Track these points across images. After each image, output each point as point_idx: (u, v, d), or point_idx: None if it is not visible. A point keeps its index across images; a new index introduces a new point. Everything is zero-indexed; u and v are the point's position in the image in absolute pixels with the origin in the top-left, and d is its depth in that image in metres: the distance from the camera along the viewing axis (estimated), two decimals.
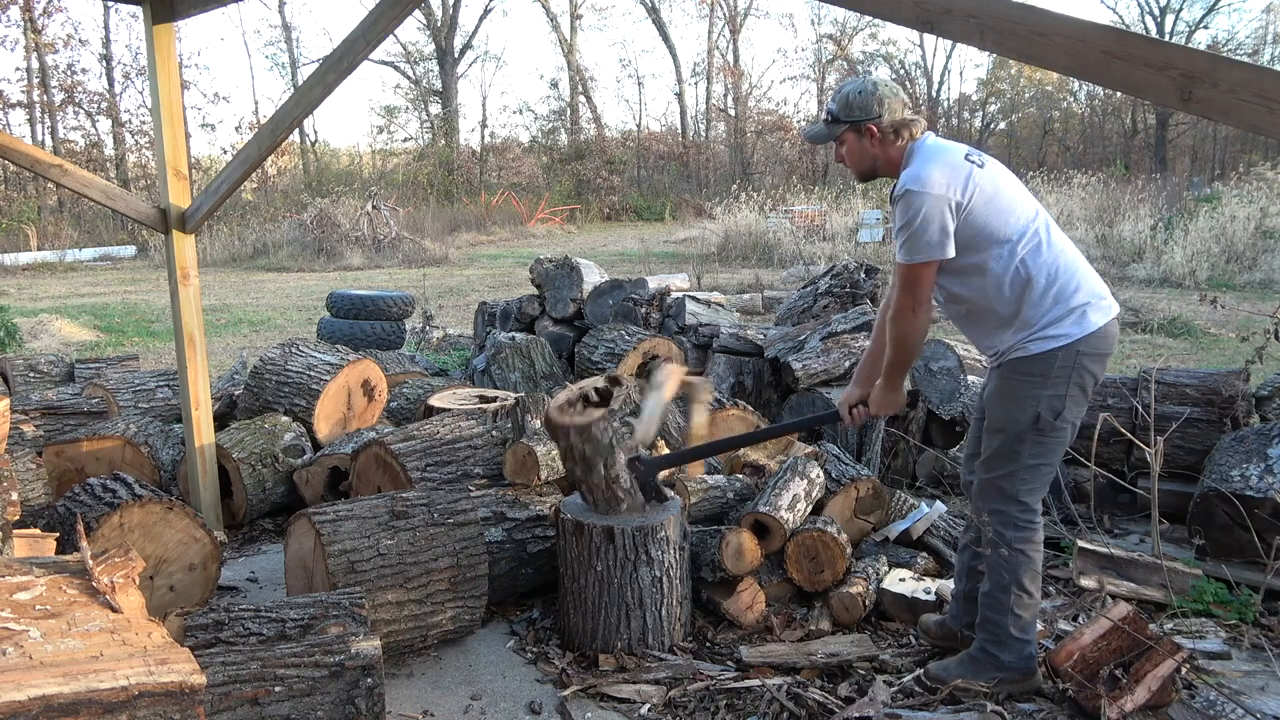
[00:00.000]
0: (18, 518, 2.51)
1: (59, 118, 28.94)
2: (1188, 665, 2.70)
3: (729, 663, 2.97)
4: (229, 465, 4.28)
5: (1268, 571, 3.23)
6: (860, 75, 2.66)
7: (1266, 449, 3.64)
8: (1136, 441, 3.91)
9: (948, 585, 3.28)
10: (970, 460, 2.88)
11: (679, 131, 39.66)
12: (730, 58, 39.71)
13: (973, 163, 2.52)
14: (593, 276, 6.63)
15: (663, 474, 3.29)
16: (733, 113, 39.39)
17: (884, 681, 2.78)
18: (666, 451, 3.73)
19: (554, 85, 42.91)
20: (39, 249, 21.15)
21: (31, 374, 5.89)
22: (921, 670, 2.82)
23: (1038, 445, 2.58)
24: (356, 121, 76.28)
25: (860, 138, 2.62)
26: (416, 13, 27.63)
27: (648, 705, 2.72)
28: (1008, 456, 2.61)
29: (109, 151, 28.97)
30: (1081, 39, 1.72)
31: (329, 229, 19.94)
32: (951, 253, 2.48)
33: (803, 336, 5.09)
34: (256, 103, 43.13)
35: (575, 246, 21.04)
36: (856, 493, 3.74)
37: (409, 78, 37.73)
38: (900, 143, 2.61)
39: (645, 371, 5.43)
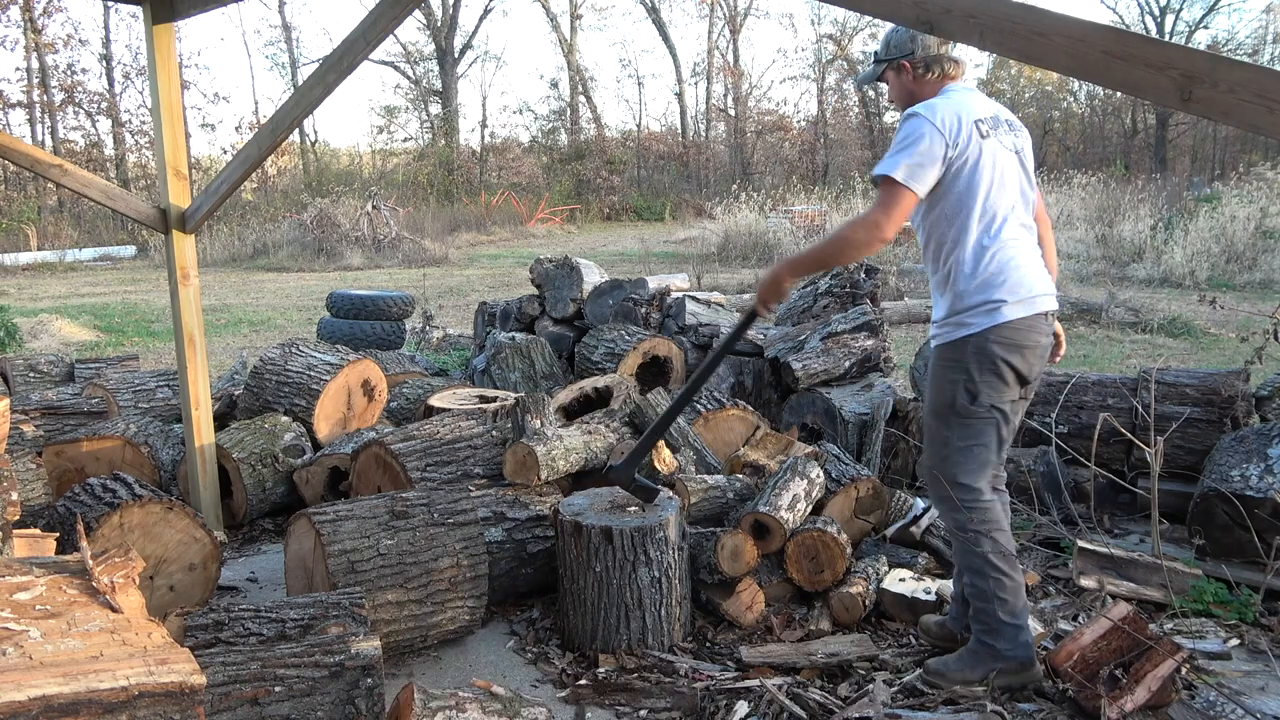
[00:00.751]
0: (18, 518, 2.51)
1: (59, 118, 28.95)
2: (1188, 665, 2.70)
3: (729, 663, 2.97)
4: (229, 465, 4.28)
5: (1268, 571, 3.23)
6: None
7: (1266, 449, 3.64)
8: (1136, 441, 3.91)
9: (948, 585, 3.28)
10: None
11: (679, 131, 39.66)
12: (730, 58, 39.72)
13: (979, 126, 2.57)
14: (593, 276, 6.63)
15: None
16: (733, 113, 39.39)
17: (884, 681, 2.78)
18: (666, 454, 3.73)
19: (554, 85, 42.96)
20: (39, 249, 21.16)
21: (31, 374, 5.89)
22: (921, 668, 2.83)
23: (962, 428, 2.63)
24: (356, 121, 76.31)
25: (899, 75, 2.76)
26: (416, 13, 27.63)
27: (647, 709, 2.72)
28: (938, 442, 2.70)
29: (109, 151, 28.98)
30: (1081, 39, 1.72)
31: (329, 229, 19.94)
32: (924, 191, 2.53)
33: (803, 336, 5.09)
34: (256, 103, 43.15)
35: (575, 246, 21.04)
36: (856, 493, 3.74)
37: (409, 78, 37.76)
38: (933, 78, 2.70)
39: (648, 374, 5.44)
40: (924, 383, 4.80)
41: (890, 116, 37.17)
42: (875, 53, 2.83)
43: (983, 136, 2.57)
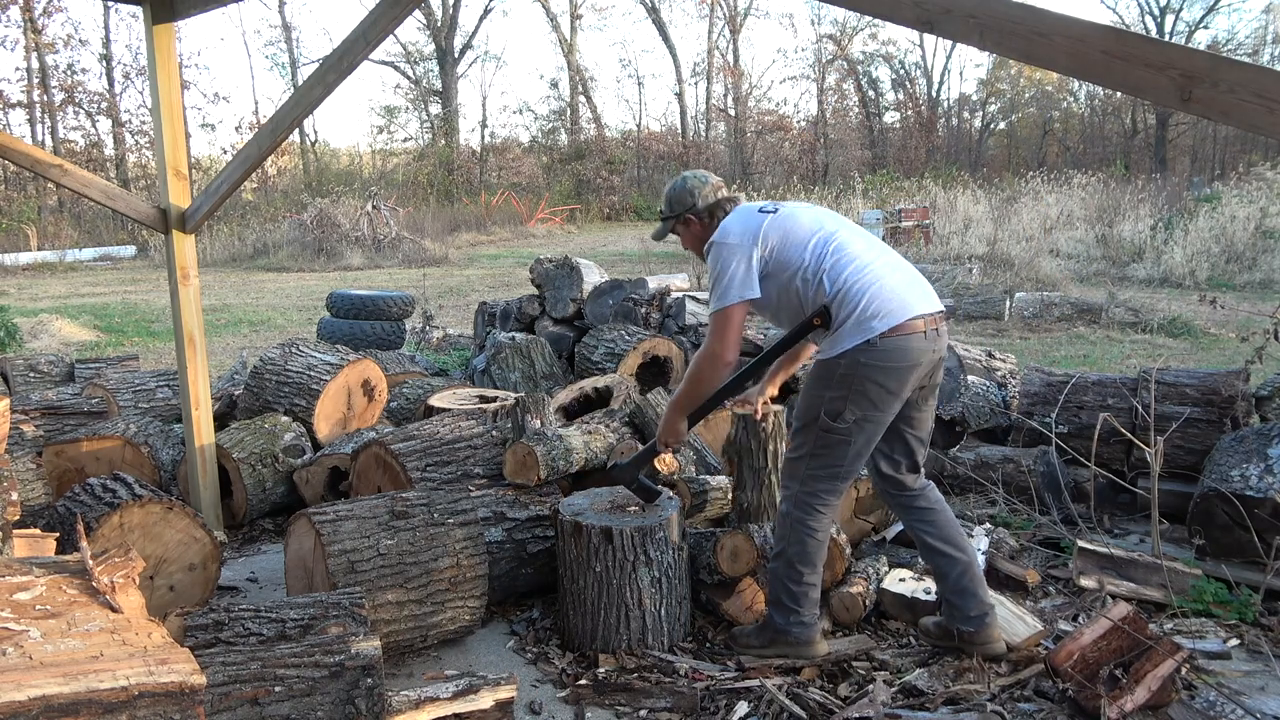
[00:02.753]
0: (18, 518, 2.51)
1: (59, 118, 28.96)
2: (1188, 665, 2.70)
3: (729, 663, 2.97)
4: (229, 465, 4.28)
5: (1268, 571, 3.23)
6: (681, 174, 3.14)
7: (1266, 449, 3.64)
8: (1136, 441, 3.91)
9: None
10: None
11: (679, 131, 39.67)
12: (730, 58, 39.74)
13: (766, 213, 2.86)
14: (593, 276, 6.63)
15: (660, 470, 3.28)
16: (733, 113, 39.40)
17: (884, 681, 2.78)
18: (666, 454, 3.73)
19: (554, 85, 42.98)
20: (39, 249, 21.16)
21: (31, 374, 5.89)
22: (727, 637, 3.07)
23: (820, 439, 2.77)
24: (356, 121, 76.29)
25: (688, 227, 3.06)
26: (416, 13, 27.63)
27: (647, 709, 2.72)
28: (799, 443, 2.85)
29: (109, 151, 28.98)
30: (1081, 39, 1.72)
31: (329, 229, 19.93)
32: (757, 291, 2.78)
33: None
34: (256, 103, 43.18)
35: (575, 246, 21.04)
36: (856, 493, 3.74)
37: (409, 78, 37.76)
38: (720, 218, 2.98)
39: (648, 374, 5.44)
40: (953, 395, 4.81)
41: (890, 116, 37.23)
42: (662, 210, 3.11)
43: (774, 213, 2.85)
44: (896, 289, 2.70)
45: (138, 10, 3.85)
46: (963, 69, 79.09)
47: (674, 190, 3.07)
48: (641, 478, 3.19)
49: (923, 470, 2.96)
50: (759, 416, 3.31)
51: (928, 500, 2.93)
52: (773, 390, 3.32)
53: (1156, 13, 34.36)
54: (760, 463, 3.37)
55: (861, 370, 2.65)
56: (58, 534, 2.74)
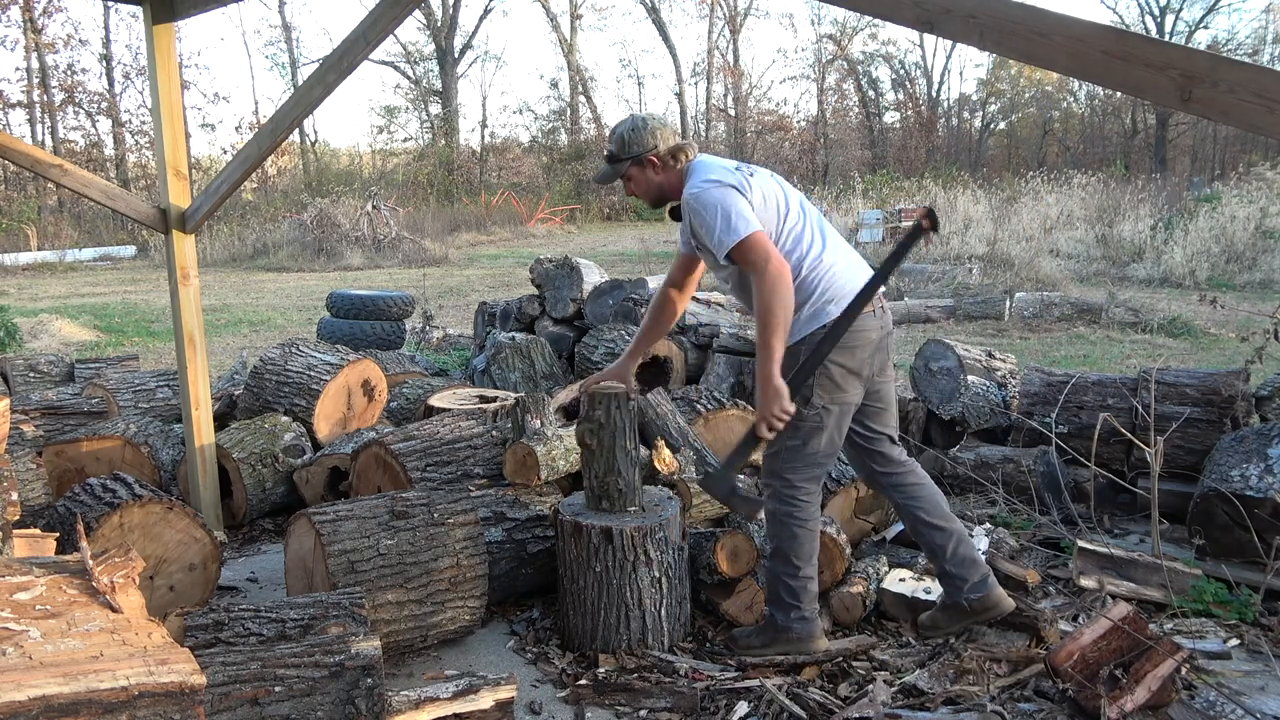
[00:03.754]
0: (18, 518, 2.51)
1: (59, 118, 28.97)
2: (1188, 665, 2.70)
3: (729, 663, 2.97)
4: (229, 465, 4.28)
5: (1268, 571, 3.23)
6: (630, 115, 2.96)
7: (1266, 449, 3.64)
8: (1136, 441, 3.91)
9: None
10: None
11: (679, 131, 39.63)
12: (730, 58, 39.74)
13: (743, 170, 2.79)
14: (593, 276, 6.63)
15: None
16: (733, 113, 39.40)
17: (884, 681, 2.78)
18: (666, 454, 3.73)
19: (554, 85, 42.96)
20: (39, 249, 21.16)
21: (31, 374, 5.89)
22: (727, 638, 3.04)
23: (793, 429, 2.73)
24: (356, 121, 76.35)
25: (643, 169, 2.87)
26: (416, 13, 27.63)
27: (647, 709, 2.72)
28: (774, 439, 2.79)
29: (109, 151, 28.99)
30: (1081, 39, 1.72)
31: (329, 229, 19.93)
32: (759, 225, 2.63)
33: None
34: (256, 103, 43.19)
35: (575, 246, 21.04)
36: (856, 493, 3.74)
37: (409, 78, 37.77)
38: (679, 166, 2.86)
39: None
40: (923, 382, 4.81)
41: (890, 116, 37.22)
42: (610, 150, 2.89)
43: (750, 175, 2.78)
44: (844, 273, 2.76)
45: (138, 10, 3.85)
46: (963, 69, 79.12)
47: (630, 130, 2.85)
48: (739, 488, 2.97)
49: (899, 445, 3.01)
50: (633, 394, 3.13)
51: (916, 476, 2.97)
52: (634, 365, 3.21)
53: (1156, 13, 34.38)
54: (628, 444, 3.07)
55: (821, 351, 2.69)
56: (58, 534, 2.74)
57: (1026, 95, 37.71)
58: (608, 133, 2.98)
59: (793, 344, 2.72)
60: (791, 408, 2.65)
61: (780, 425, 2.66)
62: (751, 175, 2.78)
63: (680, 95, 39.95)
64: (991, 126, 39.18)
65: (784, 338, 2.61)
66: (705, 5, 38.93)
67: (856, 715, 2.59)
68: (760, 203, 2.71)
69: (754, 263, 2.60)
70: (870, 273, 2.80)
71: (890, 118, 40.03)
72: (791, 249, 2.73)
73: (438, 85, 36.82)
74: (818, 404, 2.74)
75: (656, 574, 2.99)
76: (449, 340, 8.74)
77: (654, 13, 39.04)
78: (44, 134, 28.44)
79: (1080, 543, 3.46)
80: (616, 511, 3.08)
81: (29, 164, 3.71)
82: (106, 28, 32.73)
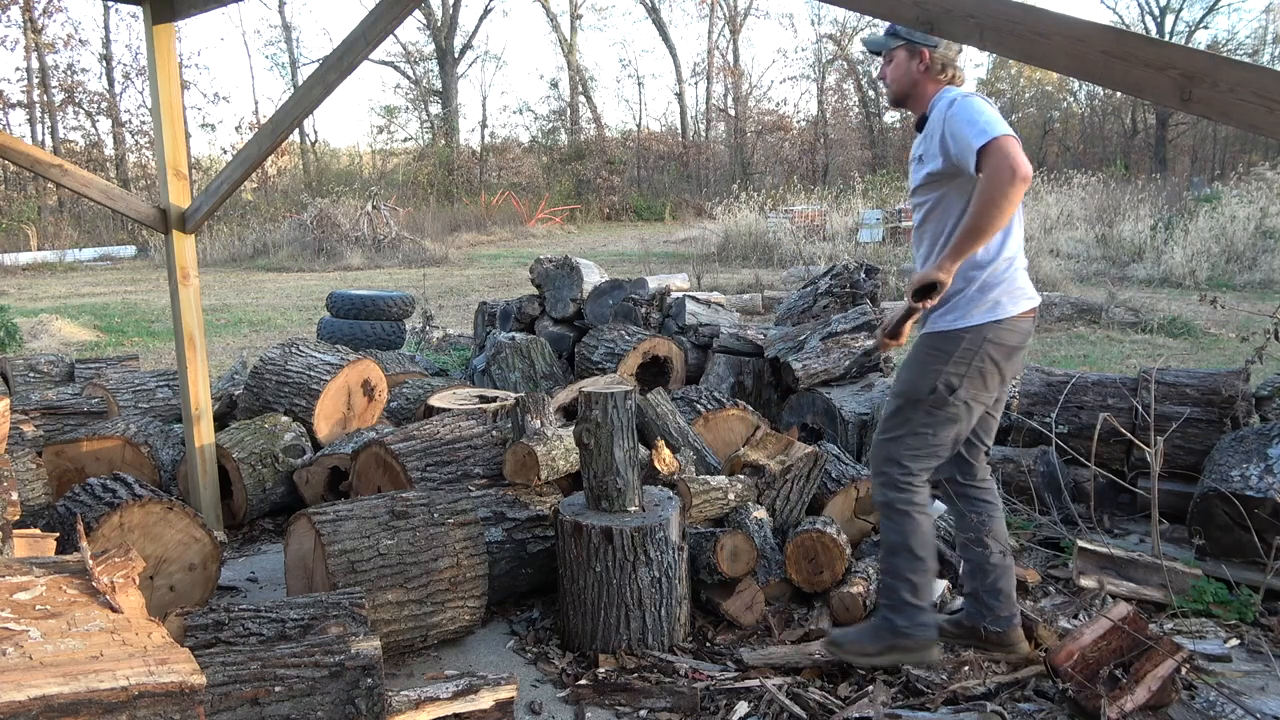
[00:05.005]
0: (18, 518, 2.51)
1: (59, 118, 28.95)
2: (1188, 665, 2.70)
3: (729, 663, 2.97)
4: (229, 465, 4.28)
5: (1268, 571, 3.23)
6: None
7: (1266, 449, 3.64)
8: (1136, 441, 3.91)
9: (942, 585, 3.29)
10: None
11: (679, 131, 39.66)
12: (730, 58, 39.72)
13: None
14: (593, 276, 6.63)
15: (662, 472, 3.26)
16: (733, 113, 39.39)
17: (884, 681, 2.78)
18: (666, 454, 3.73)
19: (554, 85, 42.95)
20: (39, 249, 21.16)
21: (31, 374, 5.89)
22: (826, 641, 2.88)
23: (928, 415, 2.67)
24: (356, 121, 76.21)
25: (911, 59, 2.72)
26: (416, 13, 27.63)
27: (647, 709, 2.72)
28: (899, 421, 2.72)
29: (109, 151, 28.97)
30: (1081, 39, 1.72)
31: (329, 229, 19.93)
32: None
33: (803, 336, 5.09)
34: (256, 103, 43.17)
35: (575, 246, 21.04)
36: (856, 493, 3.74)
37: (409, 78, 37.76)
38: (942, 78, 2.71)
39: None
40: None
41: (890, 117, 37.18)
42: (893, 27, 2.73)
43: None
44: (1023, 275, 2.69)
45: (138, 10, 3.85)
46: (963, 69, 78.88)
47: None
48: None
49: (988, 462, 2.95)
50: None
51: (992, 496, 2.93)
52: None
53: (1156, 13, 34.38)
54: (625, 442, 3.09)
55: (984, 348, 2.61)
56: (58, 534, 2.74)
57: (1026, 95, 37.71)
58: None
59: (954, 329, 2.63)
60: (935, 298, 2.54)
61: (934, 295, 2.51)
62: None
63: (680, 95, 39.96)
64: None
65: (985, 240, 2.46)
66: (705, 5, 38.93)
67: (856, 715, 2.59)
68: None
69: (1000, 166, 2.37)
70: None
71: (890, 118, 39.95)
72: (1001, 236, 2.61)
73: (438, 85, 36.82)
74: (962, 397, 2.64)
75: (656, 574, 2.99)
76: (449, 340, 8.74)
77: (654, 13, 39.05)
78: (44, 134, 28.45)
79: (1080, 543, 3.46)
80: (616, 511, 3.08)
81: (29, 164, 3.71)
82: (106, 28, 32.72)
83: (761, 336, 5.37)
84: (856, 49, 37.63)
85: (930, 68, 2.71)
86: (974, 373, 2.63)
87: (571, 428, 3.86)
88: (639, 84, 59.71)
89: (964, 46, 2.66)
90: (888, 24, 2.75)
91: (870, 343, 4.30)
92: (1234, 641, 3.02)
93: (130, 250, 22.20)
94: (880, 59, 2.82)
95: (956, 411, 2.66)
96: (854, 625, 2.94)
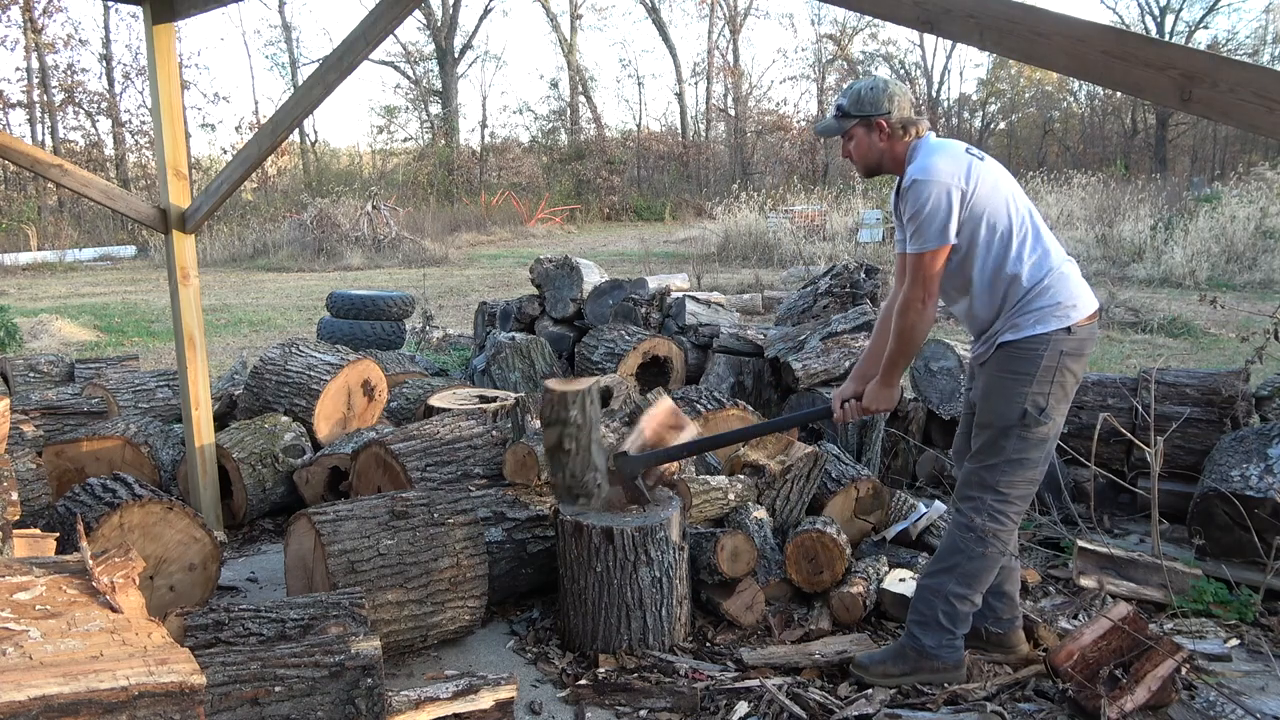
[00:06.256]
0: (18, 518, 2.50)
1: (59, 118, 28.94)
2: (1188, 665, 2.70)
3: (729, 663, 2.97)
4: (229, 465, 4.28)
5: (1268, 571, 3.23)
6: (870, 75, 2.88)
7: (1266, 449, 3.64)
8: (1136, 441, 3.91)
9: None
10: (959, 456, 2.93)
11: (679, 131, 39.65)
12: (730, 58, 39.71)
13: (973, 156, 2.63)
14: (593, 276, 6.63)
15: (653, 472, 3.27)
16: (733, 113, 39.38)
17: (957, 683, 2.77)
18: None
19: (554, 85, 42.92)
20: (39, 249, 21.15)
21: (31, 374, 5.89)
22: (853, 666, 2.84)
23: (1021, 440, 2.62)
24: (356, 121, 76.25)
25: (869, 133, 2.70)
26: (416, 13, 27.63)
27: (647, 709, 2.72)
28: (993, 450, 2.67)
29: (109, 151, 28.96)
30: (1081, 39, 1.72)
31: (329, 229, 19.93)
32: (954, 237, 2.56)
33: (803, 336, 5.09)
34: (256, 103, 43.19)
35: (575, 246, 21.04)
36: (856, 493, 3.74)
37: (409, 78, 37.75)
38: (907, 139, 2.69)
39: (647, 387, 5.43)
40: (923, 382, 4.80)
41: None
42: (840, 105, 2.74)
43: (980, 159, 2.63)
44: (1075, 278, 2.65)
45: (138, 10, 3.85)
46: (963, 69, 79.04)
47: (869, 89, 2.69)
48: (641, 481, 3.12)
49: None
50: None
51: None
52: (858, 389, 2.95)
53: (1156, 13, 34.37)
54: (599, 436, 3.07)
55: (1062, 360, 2.57)
56: (58, 534, 2.74)
57: (1026, 95, 37.71)
58: (840, 91, 2.83)
59: (1027, 340, 2.58)
60: (886, 409, 2.74)
61: (864, 417, 2.67)
62: (981, 160, 2.63)
63: (680, 95, 39.95)
64: (991, 126, 39.17)
65: (907, 364, 2.71)
66: (705, 5, 38.92)
67: (856, 715, 2.59)
68: (989, 191, 2.57)
69: (914, 278, 2.56)
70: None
71: None
72: (1033, 238, 2.60)
73: (438, 85, 36.81)
74: (1053, 415, 2.59)
75: (657, 574, 2.99)
76: (449, 340, 8.74)
77: (654, 13, 39.03)
78: (44, 134, 28.44)
79: (1080, 543, 3.46)
80: (595, 508, 3.05)
81: (29, 164, 3.71)
82: (106, 28, 32.69)
83: (761, 336, 5.37)
84: (856, 49, 37.66)
85: (892, 134, 2.69)
86: (1056, 387, 2.58)
87: None
88: (639, 84, 59.73)
89: (914, 100, 2.74)
90: (838, 104, 2.75)
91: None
92: (1234, 641, 3.02)
93: (130, 250, 22.19)
94: (841, 139, 2.79)
95: (1047, 432, 2.62)
96: (880, 647, 2.91)
